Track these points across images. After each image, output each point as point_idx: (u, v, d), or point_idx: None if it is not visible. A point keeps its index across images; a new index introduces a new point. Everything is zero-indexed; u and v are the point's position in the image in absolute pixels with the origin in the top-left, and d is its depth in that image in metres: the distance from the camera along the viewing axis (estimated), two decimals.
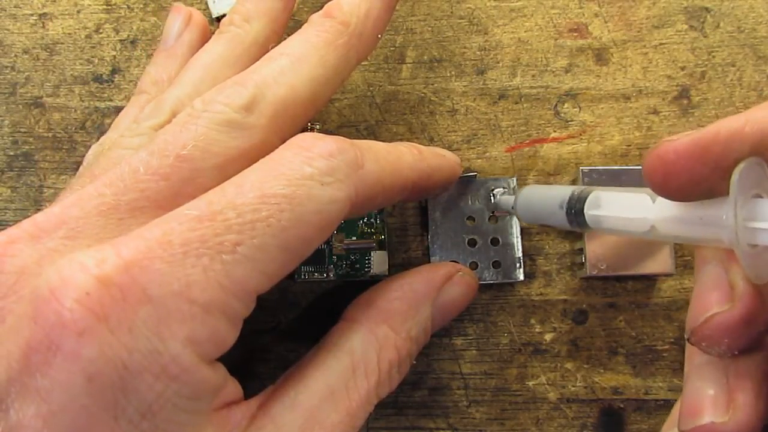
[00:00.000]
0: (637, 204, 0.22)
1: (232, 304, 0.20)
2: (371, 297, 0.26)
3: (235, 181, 0.21)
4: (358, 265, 0.30)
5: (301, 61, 0.24)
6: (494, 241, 0.30)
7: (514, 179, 0.31)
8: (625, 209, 0.23)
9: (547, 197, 0.26)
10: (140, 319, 0.18)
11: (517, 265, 0.30)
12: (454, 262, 0.30)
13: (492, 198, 0.30)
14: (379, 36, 0.27)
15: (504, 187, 0.30)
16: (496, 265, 0.30)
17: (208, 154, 0.22)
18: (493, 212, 0.30)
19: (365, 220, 0.30)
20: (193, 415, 0.20)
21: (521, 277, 0.30)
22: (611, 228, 0.23)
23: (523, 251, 0.30)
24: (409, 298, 0.26)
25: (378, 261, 0.30)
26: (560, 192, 0.25)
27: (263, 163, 0.21)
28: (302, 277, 0.30)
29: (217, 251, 0.19)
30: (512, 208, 0.28)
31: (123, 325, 0.18)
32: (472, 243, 0.30)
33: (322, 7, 0.26)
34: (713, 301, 0.21)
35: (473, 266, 0.30)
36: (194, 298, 0.19)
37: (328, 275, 0.30)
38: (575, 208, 0.24)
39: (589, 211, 0.24)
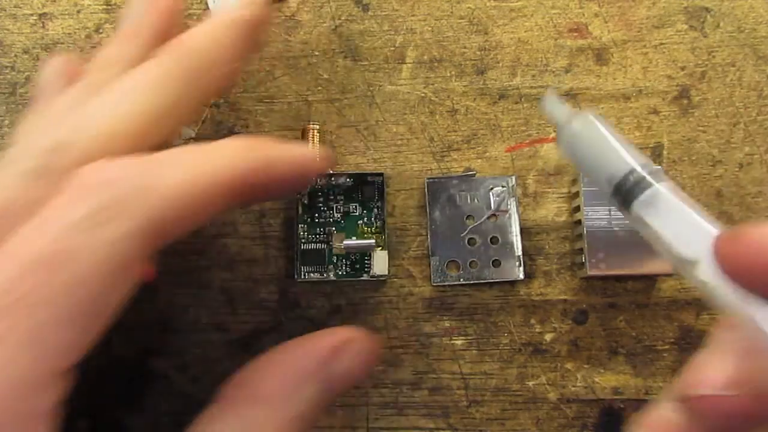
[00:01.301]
0: (699, 230, 0.20)
1: (30, 402, 0.17)
2: (246, 375, 0.23)
3: None
4: (358, 265, 0.30)
5: (133, 93, 0.23)
6: (494, 240, 0.30)
7: (513, 178, 0.31)
8: (685, 227, 0.20)
9: (600, 156, 0.23)
10: None
11: (517, 263, 0.30)
12: (355, 329, 0.25)
13: (491, 198, 0.30)
14: (240, 64, 0.25)
15: (503, 186, 0.30)
16: (495, 263, 0.30)
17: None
18: (493, 213, 0.30)
19: (365, 220, 0.30)
20: None
21: (521, 276, 0.30)
22: (651, 234, 0.21)
23: (523, 250, 0.30)
24: (290, 377, 0.23)
25: (378, 261, 0.30)
26: (615, 161, 0.22)
27: (30, 222, 0.19)
28: (302, 277, 0.30)
29: None
30: (558, 123, 0.24)
31: None
32: (472, 242, 0.30)
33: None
34: (721, 379, 0.19)
35: (473, 265, 0.30)
36: None
37: (328, 275, 0.30)
38: (624, 192, 0.22)
39: (639, 210, 0.21)
